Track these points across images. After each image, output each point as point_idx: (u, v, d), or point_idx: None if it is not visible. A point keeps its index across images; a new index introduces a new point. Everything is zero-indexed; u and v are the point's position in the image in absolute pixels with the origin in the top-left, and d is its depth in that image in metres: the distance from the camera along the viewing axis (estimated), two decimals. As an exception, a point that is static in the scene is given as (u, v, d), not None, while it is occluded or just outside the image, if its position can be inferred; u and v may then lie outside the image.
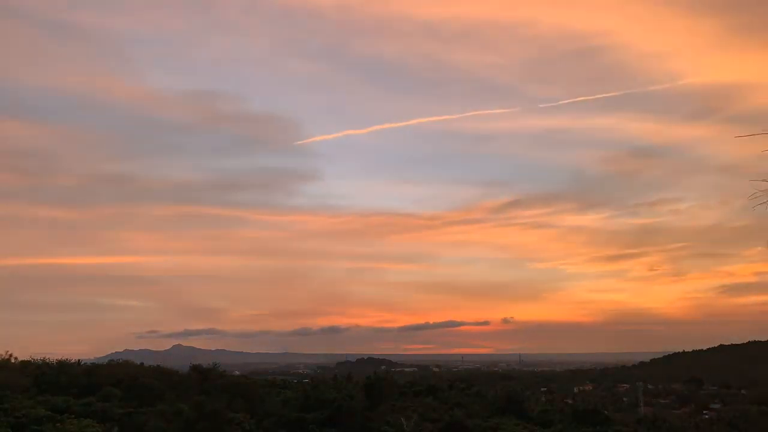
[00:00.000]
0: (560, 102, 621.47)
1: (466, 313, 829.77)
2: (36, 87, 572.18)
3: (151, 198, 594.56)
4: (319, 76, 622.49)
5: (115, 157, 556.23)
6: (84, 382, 59.03)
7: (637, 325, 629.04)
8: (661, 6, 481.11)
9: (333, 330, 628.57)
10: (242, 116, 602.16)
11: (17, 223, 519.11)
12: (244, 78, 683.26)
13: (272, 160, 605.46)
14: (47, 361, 67.33)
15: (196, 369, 68.05)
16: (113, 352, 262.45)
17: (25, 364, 64.64)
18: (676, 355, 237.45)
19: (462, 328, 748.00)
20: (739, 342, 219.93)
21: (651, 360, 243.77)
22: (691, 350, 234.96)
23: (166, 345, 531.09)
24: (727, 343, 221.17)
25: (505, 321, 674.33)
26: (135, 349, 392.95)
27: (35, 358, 67.61)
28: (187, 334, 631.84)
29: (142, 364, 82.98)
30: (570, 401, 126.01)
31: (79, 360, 74.20)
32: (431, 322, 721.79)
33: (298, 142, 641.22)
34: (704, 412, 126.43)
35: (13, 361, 63.77)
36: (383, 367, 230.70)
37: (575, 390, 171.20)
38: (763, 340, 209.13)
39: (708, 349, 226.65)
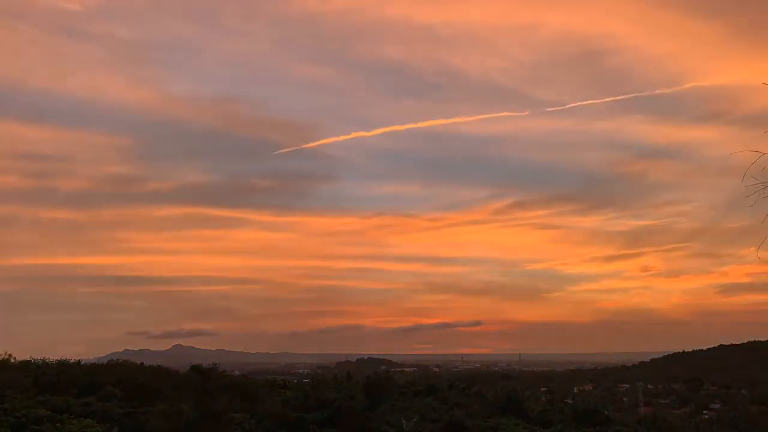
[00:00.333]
0: (567, 105, 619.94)
1: (466, 313, 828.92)
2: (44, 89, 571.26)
3: (160, 200, 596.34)
4: (328, 79, 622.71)
5: (126, 161, 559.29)
6: (84, 382, 59.08)
7: (637, 324, 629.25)
8: (668, 9, 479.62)
9: (332, 330, 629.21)
10: (252, 120, 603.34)
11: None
12: (254, 82, 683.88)
13: (282, 163, 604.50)
14: (47, 361, 67.40)
15: (196, 369, 67.95)
16: (113, 352, 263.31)
17: (25, 364, 64.67)
18: (676, 355, 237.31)
19: (462, 328, 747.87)
20: (739, 342, 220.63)
21: (651, 360, 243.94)
22: (691, 350, 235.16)
23: (166, 345, 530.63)
24: (727, 343, 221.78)
25: (506, 321, 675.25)
26: (135, 349, 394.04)
27: (35, 358, 67.77)
28: (187, 334, 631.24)
29: (142, 364, 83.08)
30: (570, 401, 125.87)
31: (79, 360, 74.38)
32: (432, 322, 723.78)
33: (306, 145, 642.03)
34: (704, 412, 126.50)
35: (13, 361, 63.79)
36: (383, 367, 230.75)
37: (575, 390, 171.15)
38: (763, 339, 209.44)
39: (708, 349, 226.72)
